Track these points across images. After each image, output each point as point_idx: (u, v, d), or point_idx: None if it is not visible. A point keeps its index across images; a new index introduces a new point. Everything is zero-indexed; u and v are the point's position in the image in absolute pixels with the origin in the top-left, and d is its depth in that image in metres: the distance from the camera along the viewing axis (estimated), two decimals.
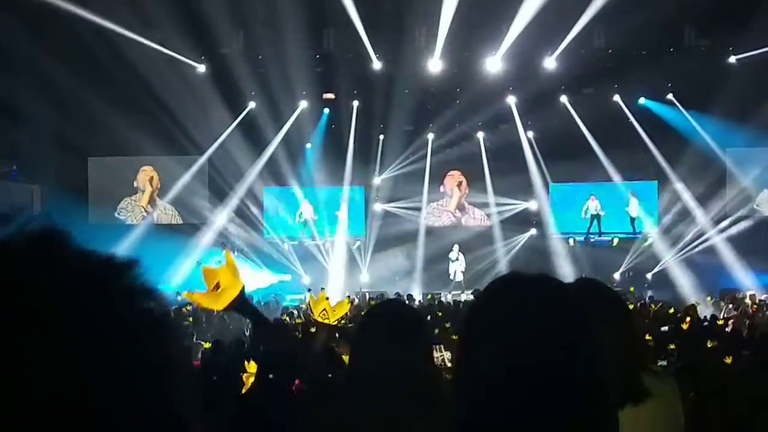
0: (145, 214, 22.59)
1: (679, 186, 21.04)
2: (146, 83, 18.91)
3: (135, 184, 22.66)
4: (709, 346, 9.89)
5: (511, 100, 21.52)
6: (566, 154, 20.96)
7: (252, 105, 21.36)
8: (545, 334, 1.30)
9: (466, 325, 1.39)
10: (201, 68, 20.39)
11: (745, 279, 19.72)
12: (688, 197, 21.00)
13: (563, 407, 1.26)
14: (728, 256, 20.29)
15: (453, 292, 20.47)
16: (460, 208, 22.87)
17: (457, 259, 21.27)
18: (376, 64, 20.44)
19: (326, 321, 3.52)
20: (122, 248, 19.25)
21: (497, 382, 1.28)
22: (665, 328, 12.89)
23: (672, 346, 9.95)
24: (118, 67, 18.55)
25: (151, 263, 0.73)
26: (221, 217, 21.68)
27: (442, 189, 22.87)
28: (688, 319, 13.16)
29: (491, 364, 1.29)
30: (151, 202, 22.70)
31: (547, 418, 1.25)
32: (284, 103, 20.97)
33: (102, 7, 17.74)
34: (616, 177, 21.57)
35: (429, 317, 13.21)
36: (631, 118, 21.14)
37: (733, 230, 20.62)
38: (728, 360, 8.29)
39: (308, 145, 22.24)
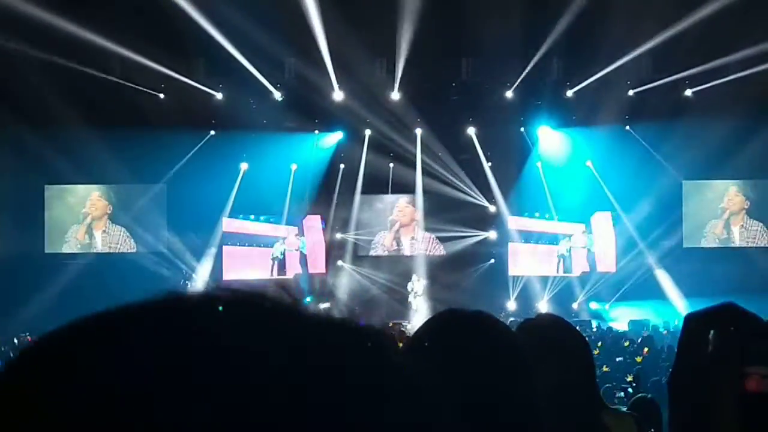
0: (80, 244, 22.12)
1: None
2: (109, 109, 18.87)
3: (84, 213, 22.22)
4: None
5: (471, 131, 21.79)
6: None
7: (212, 133, 21.32)
8: (477, 375, 1.30)
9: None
10: (160, 96, 20.38)
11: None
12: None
13: None
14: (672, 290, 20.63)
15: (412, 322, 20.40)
16: (398, 240, 22.81)
17: (414, 290, 21.14)
18: (338, 95, 20.61)
19: None
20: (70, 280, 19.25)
21: None
22: (620, 359, 12.98)
23: (629, 378, 10.01)
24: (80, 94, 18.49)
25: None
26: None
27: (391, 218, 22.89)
28: (645, 350, 13.24)
29: None
30: (89, 231, 22.19)
31: None
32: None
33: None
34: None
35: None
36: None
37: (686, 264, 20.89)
38: None
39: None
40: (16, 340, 15.66)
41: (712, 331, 1.35)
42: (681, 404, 1.40)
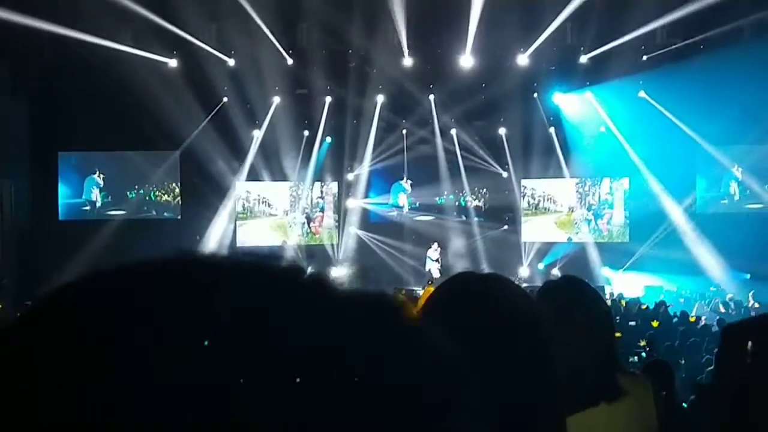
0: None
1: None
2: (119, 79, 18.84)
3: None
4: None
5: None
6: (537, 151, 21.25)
7: (225, 100, 21.27)
8: (491, 339, 1.29)
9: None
10: (172, 63, 20.31)
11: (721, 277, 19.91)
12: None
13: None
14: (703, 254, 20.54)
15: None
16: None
17: (437, 258, 21.09)
18: (350, 60, 20.51)
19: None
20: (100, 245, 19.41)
21: None
22: (633, 323, 13.03)
23: (642, 343, 10.05)
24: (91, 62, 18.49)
25: None
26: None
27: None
28: (661, 310, 13.28)
29: None
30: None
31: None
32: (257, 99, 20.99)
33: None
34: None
35: None
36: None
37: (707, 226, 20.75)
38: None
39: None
40: None
41: (749, 343, 1.35)
42: (722, 415, 1.40)
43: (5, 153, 19.10)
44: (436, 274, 20.50)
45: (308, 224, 22.67)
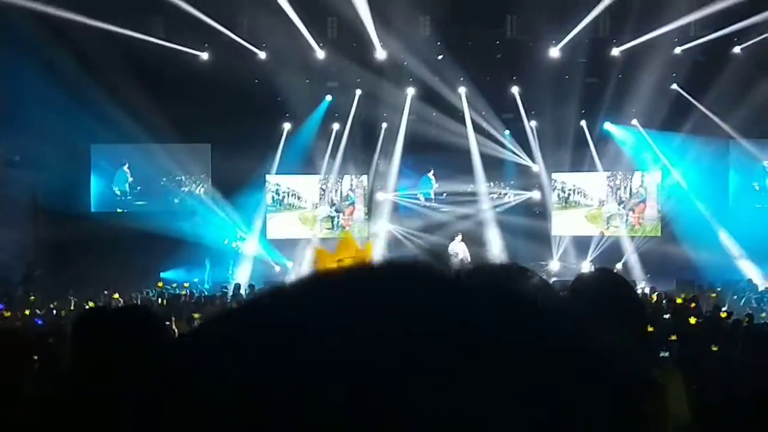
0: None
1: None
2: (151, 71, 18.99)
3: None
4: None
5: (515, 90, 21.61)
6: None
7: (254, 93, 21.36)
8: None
9: None
10: (204, 56, 20.45)
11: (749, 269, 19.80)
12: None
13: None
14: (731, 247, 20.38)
15: None
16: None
17: (458, 254, 21.00)
18: (380, 53, 20.53)
19: None
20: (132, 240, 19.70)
21: None
22: (666, 317, 12.93)
23: (673, 337, 9.98)
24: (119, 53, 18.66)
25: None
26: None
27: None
28: (693, 305, 13.17)
29: None
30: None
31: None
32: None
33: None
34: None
35: None
36: None
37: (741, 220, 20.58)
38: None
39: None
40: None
41: None
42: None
43: (39, 145, 19.30)
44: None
45: (338, 217, 22.70)
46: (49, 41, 17.96)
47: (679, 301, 15.02)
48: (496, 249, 21.48)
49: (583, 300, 2.16)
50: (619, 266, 20.66)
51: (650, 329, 10.09)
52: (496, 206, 22.49)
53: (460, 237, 20.77)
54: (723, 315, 13.53)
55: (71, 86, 18.50)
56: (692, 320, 12.24)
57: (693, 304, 14.03)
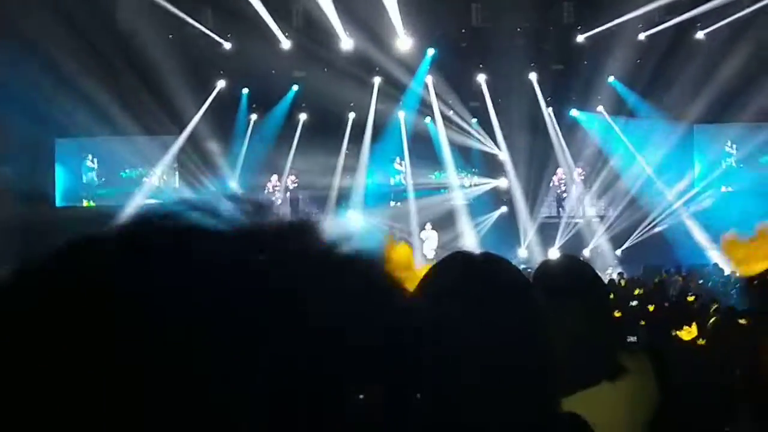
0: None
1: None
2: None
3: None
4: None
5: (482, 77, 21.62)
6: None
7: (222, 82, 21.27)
8: (485, 317, 1.29)
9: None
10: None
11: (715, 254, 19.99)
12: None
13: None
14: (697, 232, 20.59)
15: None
16: None
17: (428, 238, 21.12)
18: (346, 42, 20.44)
19: None
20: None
21: None
22: (634, 303, 13.02)
23: (642, 323, 10.06)
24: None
25: None
26: None
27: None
28: (660, 290, 13.27)
29: None
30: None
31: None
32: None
33: None
34: None
35: None
36: None
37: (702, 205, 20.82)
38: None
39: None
40: None
41: None
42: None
43: (4, 140, 19.01)
44: (430, 255, 20.48)
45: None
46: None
47: (640, 291, 15.10)
48: (465, 237, 21.57)
49: (546, 287, 2.13)
50: (586, 252, 20.80)
51: (617, 315, 10.19)
52: (464, 194, 22.52)
53: (430, 225, 20.82)
54: (690, 299, 13.64)
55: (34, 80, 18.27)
56: (658, 306, 12.32)
57: (660, 289, 14.12)
